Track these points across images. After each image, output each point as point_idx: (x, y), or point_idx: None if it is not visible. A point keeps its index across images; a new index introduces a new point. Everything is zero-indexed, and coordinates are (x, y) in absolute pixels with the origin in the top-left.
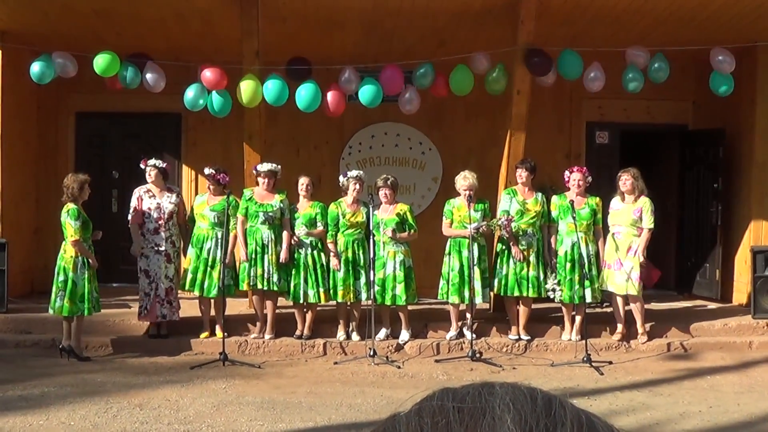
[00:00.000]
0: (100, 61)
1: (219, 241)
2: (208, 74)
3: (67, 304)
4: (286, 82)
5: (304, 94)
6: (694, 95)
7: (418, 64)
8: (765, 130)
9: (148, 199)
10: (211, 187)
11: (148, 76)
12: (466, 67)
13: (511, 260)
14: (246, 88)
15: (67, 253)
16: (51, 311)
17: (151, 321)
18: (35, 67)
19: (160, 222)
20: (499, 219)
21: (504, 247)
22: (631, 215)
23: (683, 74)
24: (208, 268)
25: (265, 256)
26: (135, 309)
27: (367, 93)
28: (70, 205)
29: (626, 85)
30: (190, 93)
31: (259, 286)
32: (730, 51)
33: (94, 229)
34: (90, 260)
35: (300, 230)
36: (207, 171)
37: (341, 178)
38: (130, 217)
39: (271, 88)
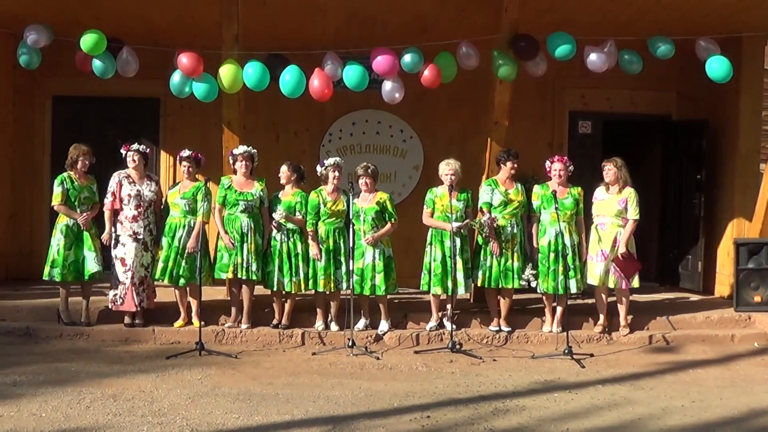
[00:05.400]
0: (88, 40)
1: (191, 229)
2: (184, 60)
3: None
4: (267, 67)
5: (289, 78)
6: (678, 85)
7: (403, 50)
8: (749, 122)
9: (128, 185)
10: (191, 169)
11: (121, 61)
12: (450, 53)
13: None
14: (226, 73)
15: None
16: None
17: (127, 310)
18: (21, 56)
19: (139, 210)
20: (482, 217)
21: (485, 239)
22: (616, 206)
23: (667, 64)
24: (179, 257)
25: (245, 244)
26: (110, 297)
27: (353, 76)
28: (63, 173)
29: (625, 67)
30: (176, 78)
31: (239, 275)
32: (715, 41)
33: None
34: (78, 219)
35: (278, 213)
36: (185, 153)
37: (318, 168)
38: (107, 201)
39: (252, 73)
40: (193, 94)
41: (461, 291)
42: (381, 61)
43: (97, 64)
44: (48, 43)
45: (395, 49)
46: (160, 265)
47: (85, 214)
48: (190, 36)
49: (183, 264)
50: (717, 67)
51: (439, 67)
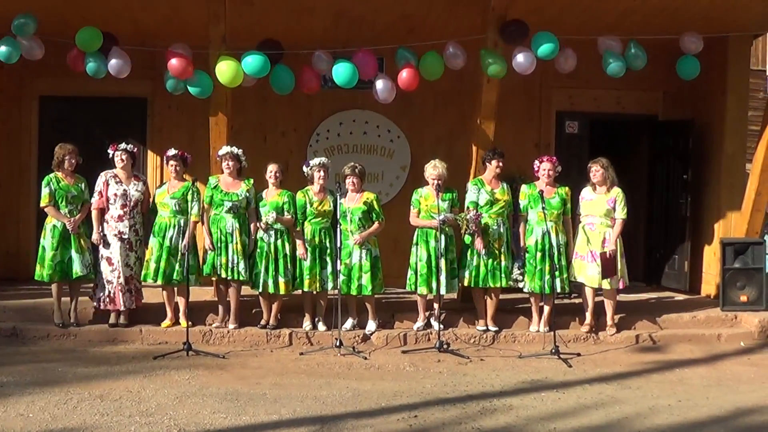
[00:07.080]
0: (84, 36)
1: (181, 228)
2: (174, 62)
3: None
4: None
5: (278, 75)
6: (665, 85)
7: (390, 50)
8: (735, 121)
9: (115, 184)
10: (178, 168)
11: (113, 62)
12: (436, 53)
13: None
14: (225, 69)
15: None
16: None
17: (115, 309)
18: (1, 48)
19: (125, 209)
20: (468, 213)
21: (471, 239)
22: (605, 205)
23: (654, 64)
24: (171, 257)
25: (230, 245)
26: (98, 296)
27: (342, 73)
28: (50, 174)
29: (608, 69)
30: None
31: (223, 275)
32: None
33: (76, 207)
34: (66, 223)
35: (270, 216)
36: (172, 152)
37: (304, 168)
38: (94, 201)
39: (251, 62)
40: (188, 90)
41: (444, 291)
42: (361, 66)
43: (90, 64)
44: (41, 54)
45: (383, 49)
46: (153, 265)
47: (73, 218)
48: (177, 36)
49: (175, 264)
50: (686, 67)
51: (424, 65)
